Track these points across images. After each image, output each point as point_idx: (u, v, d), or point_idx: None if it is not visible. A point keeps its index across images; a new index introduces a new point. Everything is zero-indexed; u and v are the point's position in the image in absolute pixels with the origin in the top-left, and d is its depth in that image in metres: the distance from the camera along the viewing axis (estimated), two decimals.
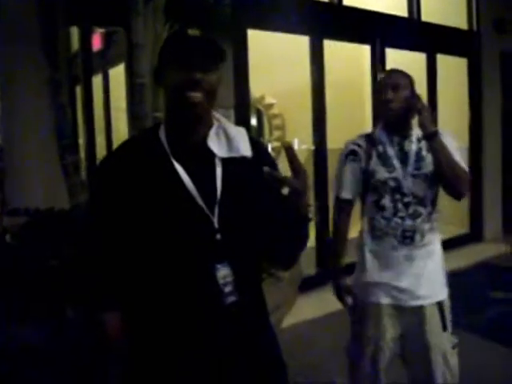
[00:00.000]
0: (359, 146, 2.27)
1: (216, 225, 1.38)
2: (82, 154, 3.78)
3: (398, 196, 2.16)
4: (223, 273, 1.38)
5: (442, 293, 2.26)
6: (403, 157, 2.19)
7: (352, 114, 6.93)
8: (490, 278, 5.62)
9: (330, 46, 5.53)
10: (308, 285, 5.22)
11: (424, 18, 6.57)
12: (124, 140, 1.54)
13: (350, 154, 2.27)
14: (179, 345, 1.38)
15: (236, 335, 1.40)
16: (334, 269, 2.36)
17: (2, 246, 2.40)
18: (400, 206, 2.15)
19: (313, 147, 5.56)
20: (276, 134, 8.07)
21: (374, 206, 2.21)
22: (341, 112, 6.97)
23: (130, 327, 1.44)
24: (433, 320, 2.17)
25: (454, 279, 5.34)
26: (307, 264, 5.46)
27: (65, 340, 1.80)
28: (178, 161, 1.39)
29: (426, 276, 2.19)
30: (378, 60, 6.01)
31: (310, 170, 5.72)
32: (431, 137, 2.09)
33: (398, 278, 2.16)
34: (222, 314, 1.38)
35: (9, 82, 3.13)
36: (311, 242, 5.48)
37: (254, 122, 8.13)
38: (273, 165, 1.53)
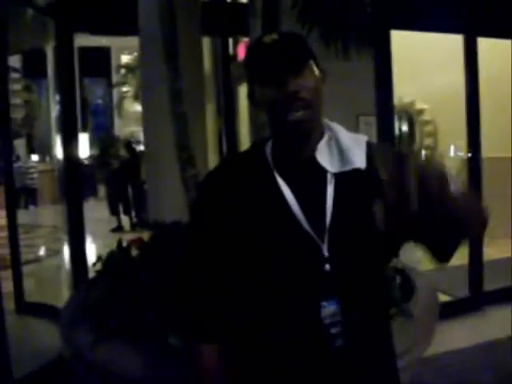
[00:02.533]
0: None
1: (326, 253, 1.19)
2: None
3: None
4: (330, 311, 1.18)
5: None
6: None
7: (509, 119, 6.26)
8: None
9: (484, 45, 5.01)
10: (458, 309, 4.79)
11: None
12: (227, 156, 1.43)
13: None
14: None
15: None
16: None
17: (126, 260, 2.41)
18: None
19: (467, 155, 5.07)
20: (427, 141, 7.60)
21: None
22: (497, 117, 6.34)
23: (227, 363, 1.30)
24: None
25: None
26: (458, 285, 5.01)
27: (163, 369, 1.72)
28: (283, 179, 1.23)
29: None
30: None
31: (463, 179, 5.24)
32: None
33: None
34: (328, 359, 1.18)
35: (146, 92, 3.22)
36: (463, 258, 4.99)
37: (404, 128, 7.77)
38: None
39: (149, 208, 3.90)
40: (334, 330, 1.17)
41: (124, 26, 4.40)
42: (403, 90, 6.66)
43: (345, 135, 1.29)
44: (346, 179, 1.23)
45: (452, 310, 4.76)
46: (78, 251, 4.19)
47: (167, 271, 1.96)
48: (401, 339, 1.35)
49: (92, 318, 1.92)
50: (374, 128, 4.29)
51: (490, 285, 5.06)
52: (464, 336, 4.37)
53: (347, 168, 1.23)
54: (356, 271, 1.21)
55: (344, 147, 1.25)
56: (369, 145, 1.30)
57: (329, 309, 1.17)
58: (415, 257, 4.13)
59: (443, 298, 4.96)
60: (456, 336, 4.34)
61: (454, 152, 7.41)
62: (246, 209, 1.22)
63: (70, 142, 4.14)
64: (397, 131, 7.74)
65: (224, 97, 4.30)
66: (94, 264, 2.60)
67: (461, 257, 4.99)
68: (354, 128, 4.10)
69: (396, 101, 5.03)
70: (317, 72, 1.22)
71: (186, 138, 2.48)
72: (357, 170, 1.23)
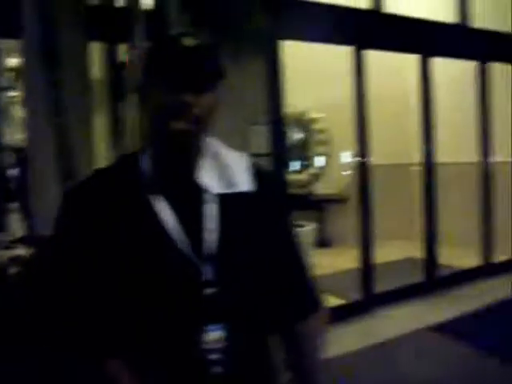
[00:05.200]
0: None
1: (207, 277, 1.12)
2: None
3: None
4: (214, 336, 1.12)
5: None
6: None
7: (397, 127, 6.60)
8: None
9: (373, 57, 5.25)
10: (351, 312, 4.94)
11: (475, 23, 6.17)
12: (98, 167, 1.30)
13: None
14: None
15: None
16: None
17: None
18: None
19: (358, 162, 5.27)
20: (321, 149, 7.82)
21: None
22: (386, 126, 6.68)
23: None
24: None
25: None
26: (350, 288, 5.18)
27: None
28: (162, 198, 1.13)
29: None
30: (424, 70, 5.67)
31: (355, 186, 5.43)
32: None
33: None
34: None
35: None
36: (353, 263, 5.18)
37: (298, 137, 7.95)
38: (283, 200, 1.32)
39: (32, 222, 3.66)
40: (213, 356, 1.11)
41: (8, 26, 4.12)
42: (299, 99, 6.83)
43: (227, 153, 1.23)
44: (231, 200, 1.17)
45: (345, 313, 4.92)
46: None
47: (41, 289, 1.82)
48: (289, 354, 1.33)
49: None
50: (265, 137, 4.32)
51: (381, 286, 5.27)
52: (356, 338, 4.51)
53: (231, 190, 1.18)
54: (241, 296, 1.17)
55: (227, 167, 1.20)
56: (255, 166, 1.26)
57: (212, 334, 1.11)
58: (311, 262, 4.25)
59: (336, 301, 5.13)
60: (349, 338, 4.48)
61: (346, 159, 7.71)
62: (115, 229, 1.12)
63: None
64: (291, 139, 7.91)
65: (112, 106, 4.14)
66: None
67: (353, 260, 5.17)
68: (245, 137, 4.15)
69: (290, 110, 5.13)
70: (216, 94, 1.14)
71: (67, 149, 2.34)
72: (245, 194, 1.19)
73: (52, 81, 2.49)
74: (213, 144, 1.23)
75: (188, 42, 1.10)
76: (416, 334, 4.58)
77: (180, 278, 1.12)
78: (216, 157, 1.21)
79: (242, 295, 1.16)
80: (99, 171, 1.25)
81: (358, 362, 4.07)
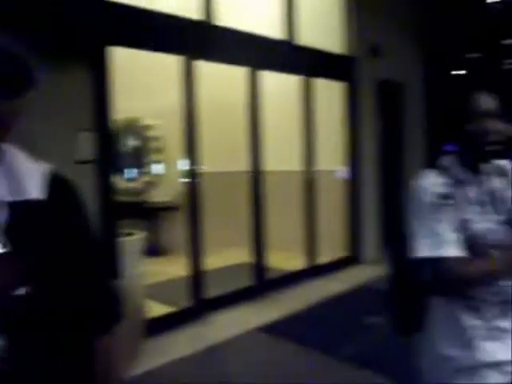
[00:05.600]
0: (446, 186, 1.69)
1: None
2: None
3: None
4: None
5: None
6: (491, 199, 1.73)
7: (229, 136, 6.80)
8: (366, 302, 5.63)
9: (205, 67, 5.37)
10: (182, 319, 4.97)
11: (301, 41, 6.61)
12: None
13: (440, 198, 1.67)
14: None
15: None
16: None
17: None
18: None
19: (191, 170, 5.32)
20: (156, 156, 7.77)
21: None
22: (217, 135, 6.85)
23: None
24: None
25: (333, 304, 5.51)
26: (181, 295, 5.20)
27: None
28: None
29: None
30: (252, 82, 5.92)
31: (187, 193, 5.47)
32: None
33: (507, 349, 1.69)
34: None
35: None
36: (185, 270, 5.21)
37: (134, 144, 7.82)
38: (77, 209, 1.29)
39: None
40: None
41: None
42: (134, 106, 6.73)
43: (21, 161, 1.21)
44: (18, 208, 1.14)
45: (176, 321, 4.94)
46: None
47: None
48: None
49: None
50: (91, 144, 4.20)
51: (212, 292, 5.38)
52: (187, 344, 4.55)
53: (20, 198, 1.15)
54: (28, 305, 1.13)
55: (18, 174, 1.17)
56: (52, 174, 1.23)
57: None
58: (138, 271, 4.20)
59: (167, 309, 5.12)
60: (180, 345, 4.51)
61: (182, 166, 7.73)
62: None
63: None
64: (127, 147, 7.77)
65: None
66: None
67: (185, 268, 5.20)
68: (71, 144, 3.99)
69: (122, 116, 5.02)
70: (21, 102, 1.11)
71: None
72: (34, 201, 1.16)
73: None
74: (9, 151, 1.20)
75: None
76: (245, 336, 4.74)
77: None
78: (9, 164, 1.18)
79: (28, 305, 1.13)
80: None
81: (189, 368, 4.13)
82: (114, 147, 5.20)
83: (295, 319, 5.19)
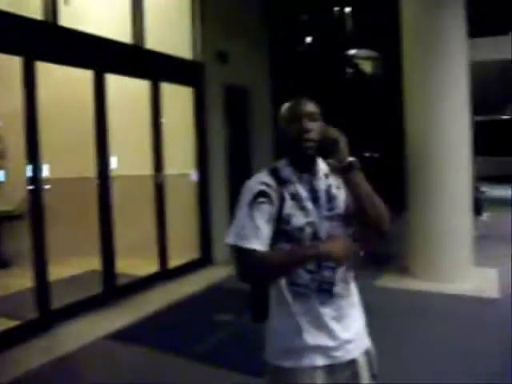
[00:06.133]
0: (268, 185, 1.86)
1: None
2: None
3: None
4: None
5: (366, 340, 2.00)
6: (315, 197, 1.88)
7: (78, 140, 6.58)
8: (218, 301, 5.80)
9: (49, 68, 5.16)
10: (28, 332, 4.74)
11: (149, 46, 6.61)
12: None
13: (259, 196, 1.83)
14: None
15: None
16: None
17: None
18: None
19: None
20: None
21: None
22: (64, 139, 6.61)
23: None
24: (364, 370, 1.94)
25: (185, 305, 5.58)
26: (26, 308, 4.96)
27: None
28: None
29: (354, 327, 1.93)
30: (98, 85, 5.81)
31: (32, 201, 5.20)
32: (348, 170, 1.81)
33: (331, 334, 1.86)
34: None
35: None
36: (27, 282, 4.96)
37: None
38: None
39: None
40: None
41: None
42: None
43: None
44: None
45: (21, 334, 4.70)
46: None
47: None
48: None
49: None
50: None
51: (59, 302, 5.20)
52: (35, 357, 4.37)
53: None
54: None
55: None
56: None
57: None
58: None
59: (11, 323, 4.85)
60: (28, 358, 4.32)
61: (26, 173, 7.30)
62: None
63: None
64: None
65: None
66: None
67: (30, 279, 4.96)
68: None
69: None
70: None
71: None
72: None
73: None
74: None
75: None
76: (94, 345, 4.64)
77: None
78: None
79: None
80: None
81: (39, 381, 3.99)
82: None
83: (146, 324, 5.18)
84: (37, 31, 5.10)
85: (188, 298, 5.95)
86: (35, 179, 5.02)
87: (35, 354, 4.44)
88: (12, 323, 4.84)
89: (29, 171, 5.01)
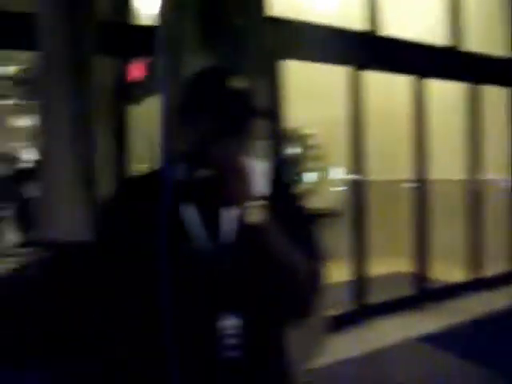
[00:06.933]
0: None
1: (225, 270, 1.27)
2: None
3: None
4: (230, 323, 1.25)
5: None
6: None
7: (389, 145, 6.78)
8: None
9: (368, 77, 5.46)
10: (344, 322, 5.08)
11: (467, 47, 6.42)
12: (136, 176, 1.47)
13: None
14: None
15: None
16: None
17: (24, 281, 2.32)
18: None
19: (351, 178, 5.45)
20: (316, 164, 7.98)
21: None
22: (379, 143, 6.86)
23: None
24: None
25: (498, 319, 5.22)
26: (344, 299, 5.32)
27: None
28: (190, 201, 1.29)
29: None
30: (417, 90, 5.88)
31: (349, 201, 5.59)
32: None
33: None
34: (221, 368, 1.25)
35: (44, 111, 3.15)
36: (345, 275, 5.32)
37: (293, 152, 8.07)
38: (292, 204, 1.44)
39: (42, 227, 3.75)
40: (231, 341, 1.24)
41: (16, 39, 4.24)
42: (293, 116, 6.98)
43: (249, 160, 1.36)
44: None
45: (338, 323, 5.07)
46: None
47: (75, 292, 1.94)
48: (296, 348, 1.46)
49: None
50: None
51: (373, 298, 5.45)
52: (350, 346, 4.65)
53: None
54: (254, 287, 1.28)
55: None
56: (272, 172, 1.40)
57: (229, 321, 1.25)
58: None
59: (330, 311, 5.25)
60: (343, 347, 4.61)
61: (337, 175, 7.86)
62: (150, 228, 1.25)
63: None
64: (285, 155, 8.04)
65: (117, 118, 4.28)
66: None
67: (347, 273, 5.31)
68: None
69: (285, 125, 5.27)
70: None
71: (90, 159, 2.47)
72: None
73: (77, 91, 2.62)
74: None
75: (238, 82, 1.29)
76: (405, 345, 4.73)
77: (203, 271, 1.26)
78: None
79: (254, 288, 1.28)
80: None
81: (345, 370, 4.20)
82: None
83: (458, 331, 5.04)
84: (361, 42, 5.43)
85: (501, 312, 5.59)
86: (355, 181, 5.39)
87: (348, 345, 4.70)
88: (332, 312, 5.25)
89: (347, 173, 5.37)
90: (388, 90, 6.52)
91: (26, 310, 2.04)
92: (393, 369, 4.33)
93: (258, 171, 1.33)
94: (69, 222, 2.90)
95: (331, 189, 7.74)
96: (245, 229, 1.20)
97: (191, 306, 1.25)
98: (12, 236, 10.15)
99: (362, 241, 5.34)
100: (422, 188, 5.94)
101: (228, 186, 1.17)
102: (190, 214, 1.28)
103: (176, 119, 1.33)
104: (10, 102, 16.96)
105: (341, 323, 5.08)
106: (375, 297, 5.45)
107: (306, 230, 1.42)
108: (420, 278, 5.94)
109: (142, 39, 3.62)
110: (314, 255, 1.38)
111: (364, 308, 5.31)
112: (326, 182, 7.82)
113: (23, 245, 9.55)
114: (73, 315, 1.98)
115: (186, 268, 1.26)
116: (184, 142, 1.34)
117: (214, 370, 1.25)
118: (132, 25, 4.44)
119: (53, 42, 3.11)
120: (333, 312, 5.25)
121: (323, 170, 7.95)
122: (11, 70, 17.09)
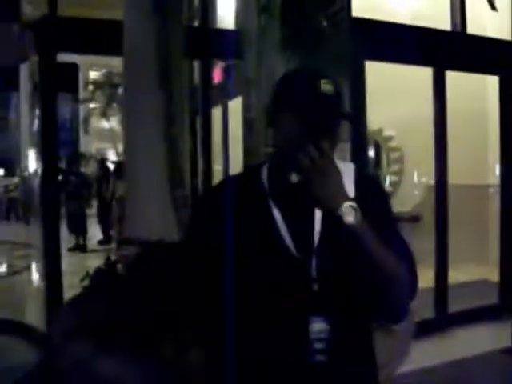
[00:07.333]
0: None
1: (313, 274, 1.27)
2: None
3: None
4: (318, 327, 1.26)
5: None
6: None
7: (474, 147, 6.54)
8: None
9: (452, 77, 5.29)
10: (424, 329, 4.94)
11: None
12: (222, 179, 1.50)
13: None
14: None
15: None
16: None
17: (112, 277, 2.43)
18: None
19: (433, 182, 5.29)
20: (394, 167, 7.83)
21: None
22: (463, 145, 6.63)
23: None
24: None
25: None
26: (424, 306, 5.18)
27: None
28: (276, 203, 1.31)
29: None
30: (503, 89, 5.65)
31: (429, 205, 5.45)
32: None
33: None
34: (309, 373, 1.26)
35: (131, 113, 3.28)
36: (428, 281, 5.17)
37: (371, 154, 7.97)
38: (382, 205, 1.42)
39: (127, 226, 3.91)
40: (318, 346, 1.25)
41: (103, 45, 4.44)
42: (372, 118, 6.88)
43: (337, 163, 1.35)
44: None
45: (418, 331, 4.93)
46: (53, 267, 4.17)
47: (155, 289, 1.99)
48: (380, 352, 1.43)
49: (91, 332, 1.95)
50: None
51: (454, 307, 5.26)
52: (431, 355, 4.50)
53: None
54: (342, 291, 1.28)
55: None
56: (358, 173, 1.40)
57: (316, 325, 1.25)
58: None
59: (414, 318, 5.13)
60: (423, 355, 4.49)
61: (418, 178, 7.67)
62: (236, 231, 1.29)
63: (49, 157, 4.17)
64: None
65: (201, 119, 4.39)
66: (82, 280, 2.61)
67: (427, 280, 5.17)
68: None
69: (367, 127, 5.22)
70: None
71: (177, 160, 2.55)
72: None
73: (164, 98, 2.71)
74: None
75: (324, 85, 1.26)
76: (488, 357, 4.54)
77: (289, 274, 1.27)
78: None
79: (343, 291, 1.28)
80: (223, 181, 1.50)
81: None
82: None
83: None
84: (446, 42, 5.27)
85: None
86: (438, 184, 5.22)
87: (428, 354, 4.55)
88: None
89: (427, 176, 5.20)
90: (474, 90, 6.30)
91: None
92: (473, 381, 4.18)
93: (347, 173, 1.33)
94: (157, 221, 3.00)
95: (412, 192, 7.56)
96: (340, 231, 1.20)
97: (280, 309, 1.27)
98: (96, 233, 10.68)
99: (446, 246, 5.18)
100: (510, 193, 5.68)
101: (323, 188, 1.18)
102: (282, 217, 1.30)
103: (264, 122, 1.35)
104: (98, 104, 17.94)
105: (421, 331, 4.95)
106: (457, 305, 5.26)
107: (397, 232, 1.41)
108: (505, 286, 5.67)
109: (224, 43, 3.73)
110: (408, 258, 1.36)
111: (445, 316, 5.14)
112: (407, 184, 7.64)
113: (107, 241, 10.02)
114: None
115: (276, 271, 1.27)
116: (273, 145, 1.37)
117: (301, 375, 1.26)
118: (215, 28, 4.55)
119: (141, 46, 3.23)
120: (416, 319, 5.14)
121: (401, 172, 7.78)
122: (98, 74, 18.07)
